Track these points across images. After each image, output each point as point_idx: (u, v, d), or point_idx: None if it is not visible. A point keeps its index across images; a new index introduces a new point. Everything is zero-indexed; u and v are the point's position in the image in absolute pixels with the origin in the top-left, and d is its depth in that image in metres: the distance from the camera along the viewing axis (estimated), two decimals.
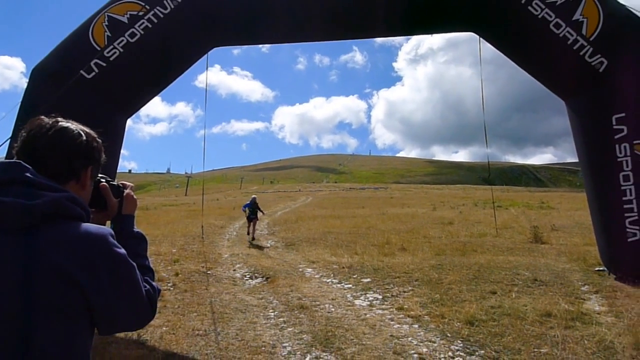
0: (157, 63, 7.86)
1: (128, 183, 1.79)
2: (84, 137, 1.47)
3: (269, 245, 15.64)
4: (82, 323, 1.31)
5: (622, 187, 7.62)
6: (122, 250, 1.37)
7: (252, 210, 17.44)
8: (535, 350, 5.09)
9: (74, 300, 1.26)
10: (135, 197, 1.78)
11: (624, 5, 7.63)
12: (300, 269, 10.57)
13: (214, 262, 11.91)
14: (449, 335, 5.68)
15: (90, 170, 1.51)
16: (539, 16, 7.44)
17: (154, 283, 1.52)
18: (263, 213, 18.47)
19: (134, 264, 1.41)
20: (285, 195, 67.76)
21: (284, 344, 5.51)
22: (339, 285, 8.81)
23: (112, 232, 1.39)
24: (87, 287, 1.27)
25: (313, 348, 5.35)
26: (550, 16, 7.40)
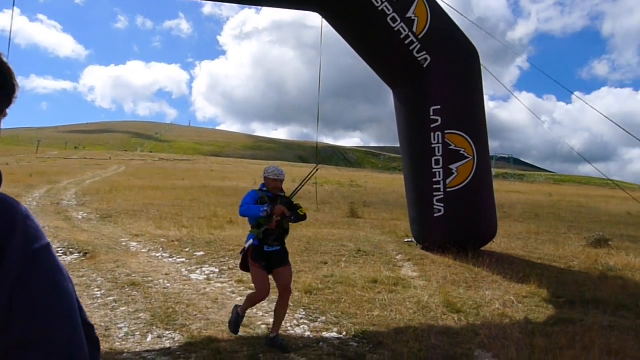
0: None
1: None
2: None
3: (80, 217, 14.02)
4: None
5: (434, 170, 8.79)
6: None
7: None
8: (369, 313, 5.61)
9: None
10: None
11: (446, 13, 8.71)
12: (124, 243, 9.74)
13: None
14: (291, 304, 5.85)
15: None
16: (379, 8, 8.02)
17: None
18: None
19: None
20: (93, 162, 61.39)
21: (119, 325, 5.03)
22: (170, 259, 8.38)
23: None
24: None
25: (154, 327, 5.00)
26: (389, 10, 8.03)
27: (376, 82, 9.62)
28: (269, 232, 4.43)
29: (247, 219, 4.62)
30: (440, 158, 8.68)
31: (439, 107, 8.62)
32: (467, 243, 8.69)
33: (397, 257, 8.88)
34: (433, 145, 8.73)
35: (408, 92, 9.13)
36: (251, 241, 4.46)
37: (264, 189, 4.62)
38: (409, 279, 7.30)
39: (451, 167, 8.63)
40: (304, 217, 4.65)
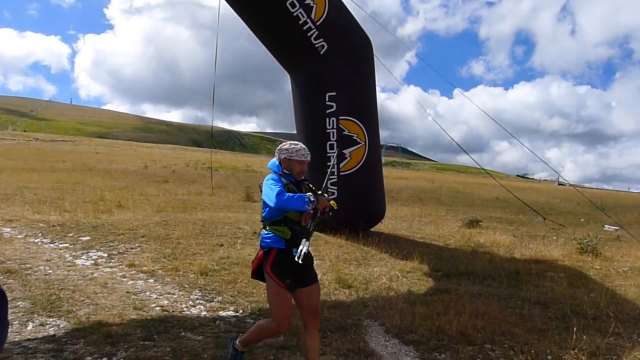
0: None
1: None
2: None
3: None
4: None
5: (328, 154, 9.12)
6: None
7: None
8: (265, 291, 5.73)
9: None
10: None
11: (343, 4, 9.01)
12: None
13: None
14: (186, 286, 5.82)
15: None
16: None
17: None
18: None
19: None
20: None
21: None
22: (52, 245, 7.78)
23: None
24: None
25: (35, 315, 4.67)
26: None
27: (274, 67, 9.70)
28: (301, 229, 3.26)
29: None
30: (335, 143, 9.03)
31: (334, 93, 8.94)
32: (358, 224, 9.18)
33: None
34: (328, 130, 9.05)
35: (305, 78, 9.34)
36: (271, 245, 3.32)
37: (283, 172, 3.47)
38: None
39: (344, 151, 9.02)
40: (336, 211, 3.63)
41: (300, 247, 3.12)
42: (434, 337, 4.49)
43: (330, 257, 7.69)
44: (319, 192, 3.45)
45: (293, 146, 3.53)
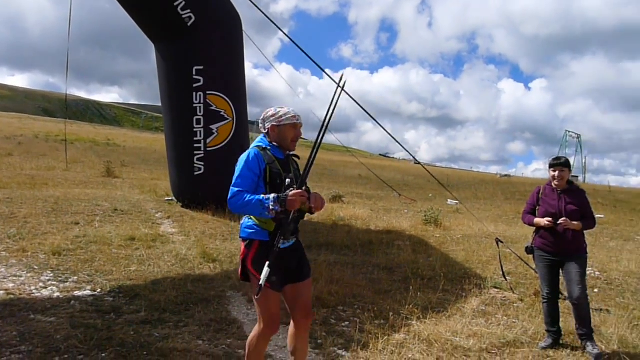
0: None
1: None
2: None
3: None
4: None
5: (195, 129, 8.99)
6: None
7: None
8: (126, 269, 5.60)
9: None
10: None
11: None
12: None
13: None
14: (36, 267, 5.42)
15: None
16: None
17: None
18: None
19: None
20: None
21: None
22: None
23: None
24: None
25: None
26: None
27: (138, 34, 9.18)
28: (286, 218, 2.67)
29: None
30: (202, 118, 8.92)
31: (201, 67, 8.78)
32: (225, 200, 9.24)
33: (157, 215, 8.88)
34: (195, 105, 8.89)
35: (171, 49, 9.01)
36: (252, 237, 2.80)
37: (269, 145, 2.89)
38: (168, 235, 7.46)
39: (212, 127, 8.96)
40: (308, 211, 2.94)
41: (266, 266, 2.59)
42: None
43: (196, 233, 7.69)
44: (299, 186, 2.66)
45: (279, 109, 2.87)
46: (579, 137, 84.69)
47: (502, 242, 5.24)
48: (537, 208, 4.30)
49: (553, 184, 4.24)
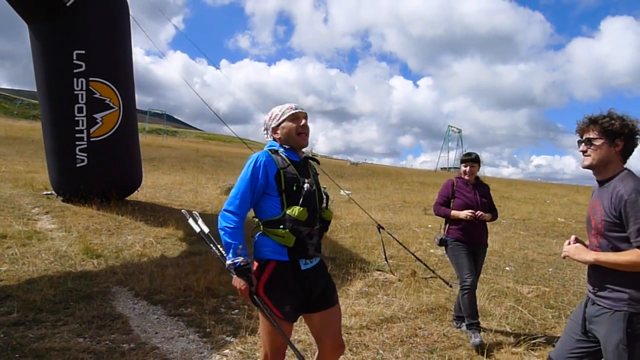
0: None
1: None
2: None
3: None
4: None
5: (76, 118, 8.41)
6: None
7: None
8: None
9: None
10: None
11: None
12: None
13: None
14: None
15: None
16: None
17: None
18: None
19: None
20: None
21: None
22: None
23: None
24: None
25: None
26: None
27: (10, 11, 8.31)
28: (306, 232, 2.37)
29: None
30: (84, 106, 8.36)
31: (83, 52, 8.21)
32: (111, 193, 8.80)
33: (33, 211, 8.22)
34: (76, 92, 8.31)
35: (48, 32, 8.30)
36: (269, 257, 2.39)
37: (281, 147, 2.52)
38: (46, 232, 6.96)
39: (95, 116, 8.45)
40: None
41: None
42: (182, 295, 4.82)
43: (79, 228, 7.26)
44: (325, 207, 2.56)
45: (274, 109, 2.56)
46: (460, 131, 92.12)
47: (382, 228, 5.65)
48: (453, 200, 4.35)
49: (464, 178, 4.39)
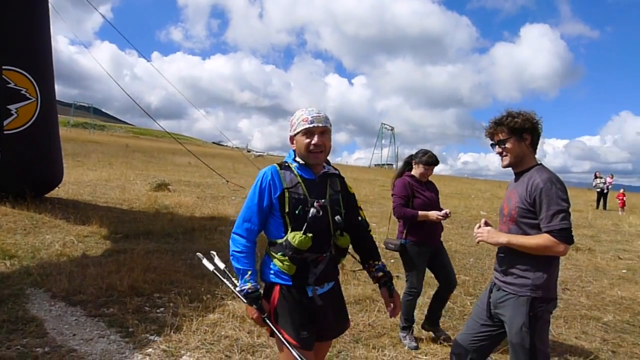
0: None
1: None
2: None
3: None
4: None
5: None
6: None
7: None
8: None
9: None
10: None
11: None
12: None
13: None
14: None
15: None
16: None
17: None
18: None
19: None
20: None
21: None
22: None
23: None
24: None
25: None
26: None
27: None
28: (311, 258, 2.18)
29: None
30: None
31: None
32: (27, 190, 8.26)
33: None
34: None
35: None
36: (272, 280, 2.23)
37: (294, 161, 2.28)
38: None
39: (9, 107, 7.88)
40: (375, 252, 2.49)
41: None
42: (104, 295, 4.62)
43: None
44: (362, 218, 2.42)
45: (296, 113, 2.26)
46: (392, 129, 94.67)
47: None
48: (412, 200, 4.10)
49: (419, 177, 4.19)
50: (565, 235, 2.26)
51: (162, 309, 4.41)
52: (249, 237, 2.23)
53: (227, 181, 15.90)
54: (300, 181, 2.18)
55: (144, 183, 13.74)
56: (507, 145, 2.49)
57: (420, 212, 3.99)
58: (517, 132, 2.46)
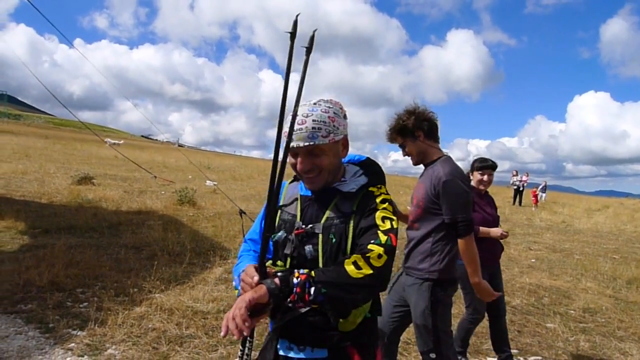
0: None
1: None
2: None
3: None
4: None
5: None
6: None
7: None
8: None
9: None
10: None
11: None
12: None
13: None
14: None
15: None
16: None
17: None
18: None
19: None
20: None
21: None
22: None
23: None
24: None
25: None
26: None
27: None
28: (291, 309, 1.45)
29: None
30: None
31: None
32: None
33: None
34: None
35: None
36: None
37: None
38: None
39: None
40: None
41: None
42: (21, 291, 4.41)
43: None
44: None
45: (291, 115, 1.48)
46: None
47: (244, 213, 5.74)
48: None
49: (480, 188, 3.69)
50: (463, 227, 2.47)
51: (85, 304, 4.28)
52: (251, 247, 1.78)
53: (155, 176, 15.44)
54: (298, 198, 1.68)
55: (66, 176, 13.04)
56: (407, 148, 2.68)
57: (481, 228, 3.47)
58: (408, 133, 2.62)
